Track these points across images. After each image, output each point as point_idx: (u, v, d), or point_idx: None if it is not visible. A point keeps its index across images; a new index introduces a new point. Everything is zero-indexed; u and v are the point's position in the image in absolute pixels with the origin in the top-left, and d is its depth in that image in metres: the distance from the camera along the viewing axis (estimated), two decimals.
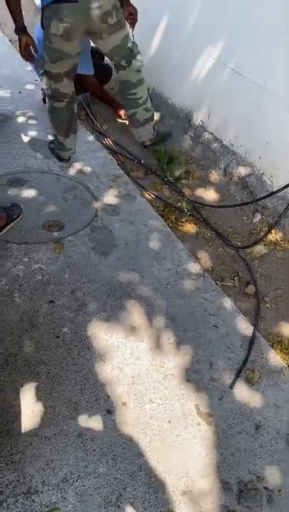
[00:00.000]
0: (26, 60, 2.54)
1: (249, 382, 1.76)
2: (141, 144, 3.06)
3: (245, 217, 2.61)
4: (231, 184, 2.77)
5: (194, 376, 1.76)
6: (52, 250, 2.24)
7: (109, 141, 3.20)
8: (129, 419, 1.59)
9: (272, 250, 2.39)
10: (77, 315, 1.93)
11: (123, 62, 2.56)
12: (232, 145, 2.82)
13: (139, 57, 2.61)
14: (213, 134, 2.96)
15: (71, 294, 2.02)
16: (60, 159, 2.88)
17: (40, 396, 1.62)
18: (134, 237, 2.40)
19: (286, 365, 1.83)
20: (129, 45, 2.52)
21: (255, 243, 2.30)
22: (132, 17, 2.56)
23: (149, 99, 2.82)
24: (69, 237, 2.33)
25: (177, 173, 2.89)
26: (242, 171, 2.71)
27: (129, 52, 2.53)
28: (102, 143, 3.18)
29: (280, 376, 1.79)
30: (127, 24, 2.51)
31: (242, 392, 1.72)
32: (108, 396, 1.65)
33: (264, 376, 1.79)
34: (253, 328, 1.97)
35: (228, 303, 2.08)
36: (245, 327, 1.98)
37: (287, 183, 2.05)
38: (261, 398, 1.71)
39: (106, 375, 1.72)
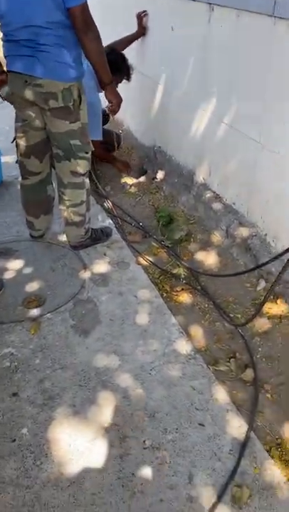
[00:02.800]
0: None
1: (235, 503, 1.43)
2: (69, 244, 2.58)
3: (248, 284, 2.33)
4: (234, 247, 2.51)
5: (169, 494, 1.46)
6: (27, 331, 2.05)
7: (109, 204, 3.06)
8: None
9: (276, 325, 2.08)
10: (41, 411, 1.70)
11: (60, 153, 2.21)
12: (234, 203, 2.59)
13: (80, 161, 2.24)
14: (215, 193, 2.75)
15: (38, 385, 1.80)
16: (31, 236, 2.65)
17: None
18: (121, 312, 2.17)
19: (285, 479, 1.49)
20: (73, 142, 2.17)
21: (249, 320, 1.96)
22: (112, 106, 2.35)
23: (84, 206, 2.38)
24: (48, 314, 2.14)
25: (177, 235, 2.68)
26: (244, 232, 2.45)
27: (68, 148, 2.18)
28: (101, 205, 3.04)
29: (275, 494, 1.45)
30: (82, 120, 2.16)
31: None
32: None
33: (256, 494, 1.45)
34: (247, 426, 1.65)
35: (220, 393, 1.77)
36: (238, 425, 1.66)
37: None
38: None
39: (61, 493, 1.45)
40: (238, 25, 2.19)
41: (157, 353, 1.95)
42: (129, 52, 3.15)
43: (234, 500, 1.44)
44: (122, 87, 3.04)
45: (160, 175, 3.32)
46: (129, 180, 3.36)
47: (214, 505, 1.42)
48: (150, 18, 3.12)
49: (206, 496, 1.45)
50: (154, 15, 3.07)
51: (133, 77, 3.08)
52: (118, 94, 2.32)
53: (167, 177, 3.24)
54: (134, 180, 3.36)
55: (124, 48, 3.19)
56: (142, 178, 3.39)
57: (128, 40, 3.25)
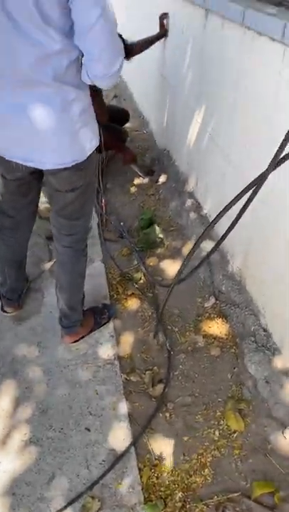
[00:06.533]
0: None
1: None
2: None
3: (199, 299, 2.25)
4: (198, 259, 2.43)
5: (24, 489, 1.47)
6: None
7: (102, 202, 3.08)
8: None
9: (208, 345, 2.00)
10: None
11: None
12: (210, 215, 2.51)
13: None
14: (197, 202, 2.68)
15: None
16: None
17: None
18: None
19: (142, 500, 1.44)
20: None
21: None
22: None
23: None
24: None
25: (151, 240, 2.65)
26: (210, 245, 2.36)
27: None
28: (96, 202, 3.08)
29: None
30: None
31: None
32: None
33: (107, 509, 1.42)
34: (131, 440, 1.61)
35: (120, 403, 1.75)
36: (123, 438, 1.63)
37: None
38: None
39: None
40: (222, 36, 2.12)
41: (79, 353, 1.95)
42: (152, 54, 3.17)
43: (83, 509, 1.42)
44: (150, 88, 3.00)
45: (162, 178, 3.29)
46: (135, 180, 3.35)
47: (61, 510, 1.41)
48: (170, 20, 3.09)
49: (58, 499, 1.44)
50: (173, 17, 3.03)
51: (156, 78, 3.05)
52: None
53: (167, 181, 3.21)
54: (138, 181, 3.36)
55: (145, 48, 3.19)
56: (147, 180, 3.38)
57: (150, 41, 3.24)
